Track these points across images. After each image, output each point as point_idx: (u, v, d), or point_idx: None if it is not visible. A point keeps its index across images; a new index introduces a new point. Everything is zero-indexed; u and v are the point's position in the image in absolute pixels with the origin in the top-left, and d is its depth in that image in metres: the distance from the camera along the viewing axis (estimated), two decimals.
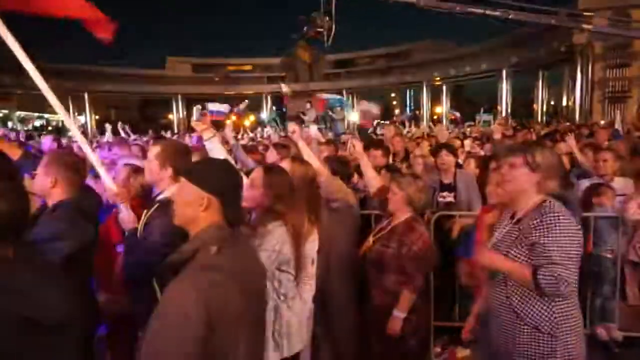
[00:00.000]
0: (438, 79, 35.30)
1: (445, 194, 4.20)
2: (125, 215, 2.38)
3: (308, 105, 13.78)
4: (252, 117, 27.57)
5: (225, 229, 1.52)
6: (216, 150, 2.69)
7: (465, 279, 3.59)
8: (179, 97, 38.44)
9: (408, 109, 46.83)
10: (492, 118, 21.99)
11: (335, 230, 2.99)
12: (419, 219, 3.08)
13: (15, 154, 2.36)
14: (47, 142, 7.06)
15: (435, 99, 37.71)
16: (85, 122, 33.36)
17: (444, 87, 36.24)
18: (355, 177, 4.14)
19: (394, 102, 47.66)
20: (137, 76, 36.43)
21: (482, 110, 20.73)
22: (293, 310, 2.36)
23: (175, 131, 26.66)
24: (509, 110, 30.06)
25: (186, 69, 40.08)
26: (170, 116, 40.03)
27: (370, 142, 6.30)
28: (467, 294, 3.41)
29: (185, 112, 38.37)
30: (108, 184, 2.41)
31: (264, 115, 35.82)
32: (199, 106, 2.67)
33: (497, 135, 5.81)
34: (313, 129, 6.76)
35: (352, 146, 3.52)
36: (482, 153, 6.36)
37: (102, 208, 2.70)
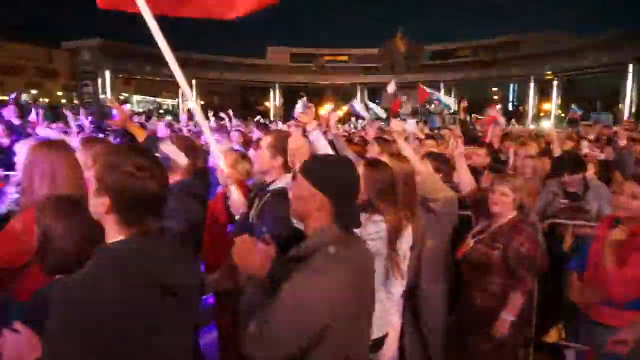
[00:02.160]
0: (549, 72, 32.43)
1: (567, 201, 3.83)
2: (236, 198, 2.46)
3: (404, 98, 13.47)
4: (344, 108, 27.65)
5: (340, 228, 1.51)
6: (319, 142, 2.71)
7: (574, 296, 3.27)
8: (277, 85, 39.85)
9: (511, 104, 43.80)
10: (612, 118, 19.72)
11: (432, 229, 2.90)
12: (525, 220, 2.93)
13: (141, 136, 2.57)
14: (161, 126, 7.70)
15: (542, 95, 34.75)
16: (192, 107, 35.95)
17: (555, 82, 33.21)
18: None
19: (495, 97, 44.83)
20: (239, 64, 38.40)
21: (597, 108, 18.69)
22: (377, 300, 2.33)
23: (272, 118, 27.71)
24: (633, 110, 26.67)
25: (284, 58, 41.32)
26: (267, 103, 41.72)
27: (473, 140, 5.97)
28: (573, 312, 3.11)
29: (282, 100, 39.72)
30: (221, 165, 2.52)
31: (358, 106, 35.92)
32: (305, 98, 2.70)
33: (623, 141, 5.17)
34: (411, 124, 6.58)
35: (454, 143, 3.37)
36: (602, 157, 5.71)
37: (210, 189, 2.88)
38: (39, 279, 1.87)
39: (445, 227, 3.11)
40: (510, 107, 41.59)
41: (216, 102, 39.73)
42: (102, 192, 1.24)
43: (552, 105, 33.22)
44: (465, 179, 3.30)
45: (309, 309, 1.34)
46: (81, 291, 1.14)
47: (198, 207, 2.42)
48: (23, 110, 8.28)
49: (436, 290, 3.09)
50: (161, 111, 41.32)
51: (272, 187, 2.45)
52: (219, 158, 2.52)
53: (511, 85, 43.83)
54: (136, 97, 43.71)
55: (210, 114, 10.83)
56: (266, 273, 1.42)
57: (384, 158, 2.74)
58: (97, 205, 1.26)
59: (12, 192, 2.89)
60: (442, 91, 35.28)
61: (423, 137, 6.41)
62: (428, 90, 12.48)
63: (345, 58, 42.05)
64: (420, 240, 2.66)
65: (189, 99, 2.57)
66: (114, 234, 1.27)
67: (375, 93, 41.31)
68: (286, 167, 2.48)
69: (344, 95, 39.18)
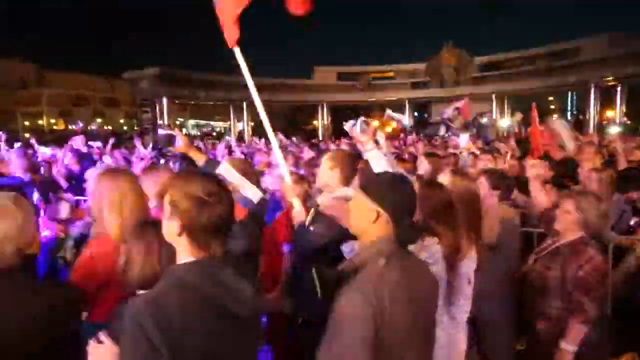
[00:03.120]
0: (611, 78, 30.58)
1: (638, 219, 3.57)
2: (299, 210, 2.56)
3: (455, 113, 13.15)
4: (393, 124, 27.47)
5: (393, 242, 1.54)
6: (378, 161, 2.71)
7: None
8: (324, 104, 40.37)
9: (569, 113, 41.69)
10: None
11: (495, 249, 2.78)
12: (590, 241, 2.67)
13: (200, 159, 2.68)
14: (220, 148, 7.99)
15: (604, 102, 32.76)
16: (243, 129, 37.06)
17: (619, 88, 31.25)
18: (515, 192, 3.79)
19: (552, 107, 42.83)
20: (287, 85, 39.35)
21: None
22: (440, 326, 2.25)
23: (320, 138, 28.02)
24: None
25: (331, 77, 41.85)
26: (315, 122, 42.29)
27: (531, 153, 5.71)
28: None
29: (329, 119, 40.14)
30: (287, 179, 2.64)
31: (406, 121, 35.60)
32: (362, 118, 2.75)
33: None
34: (463, 139, 6.40)
35: (530, 164, 3.29)
36: None
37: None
38: (110, 301, 1.98)
39: (508, 247, 2.97)
40: (569, 117, 39.53)
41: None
42: (174, 216, 1.33)
43: (617, 112, 31.23)
44: (539, 197, 3.21)
45: (353, 324, 1.38)
46: (145, 308, 1.21)
47: (257, 230, 2.49)
48: (91, 138, 8.93)
49: (500, 312, 2.94)
50: (214, 134, 42.97)
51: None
52: (285, 174, 2.64)
53: (569, 94, 41.73)
54: (191, 122, 45.75)
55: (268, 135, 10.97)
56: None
57: (445, 176, 2.69)
58: (170, 228, 1.35)
59: (87, 217, 3.08)
60: (494, 103, 34.23)
61: (477, 152, 6.22)
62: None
63: (391, 74, 41.96)
64: (484, 262, 2.55)
65: (264, 121, 2.76)
66: (184, 256, 1.36)
67: (423, 108, 40.79)
68: (345, 182, 2.54)
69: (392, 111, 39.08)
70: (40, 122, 48.12)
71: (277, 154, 2.78)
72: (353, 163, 2.65)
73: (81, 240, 2.68)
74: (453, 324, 2.36)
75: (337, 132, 30.85)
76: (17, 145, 9.29)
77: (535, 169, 3.43)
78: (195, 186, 1.33)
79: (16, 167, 5.12)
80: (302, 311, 2.46)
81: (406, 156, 6.50)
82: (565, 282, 2.55)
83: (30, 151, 7.76)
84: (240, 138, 28.14)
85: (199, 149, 8.77)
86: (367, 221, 1.55)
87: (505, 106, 34.90)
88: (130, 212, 2.22)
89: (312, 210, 2.57)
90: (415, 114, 40.52)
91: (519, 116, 17.61)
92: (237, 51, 2.77)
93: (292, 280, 2.77)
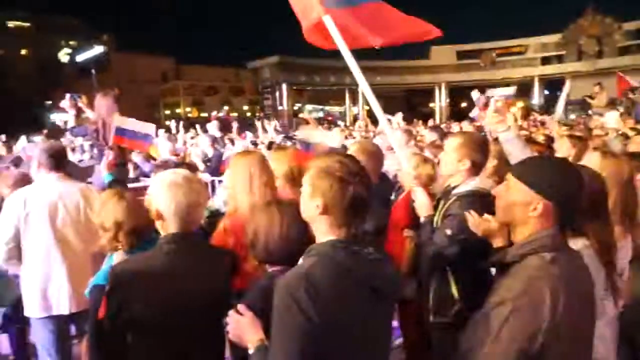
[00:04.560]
0: None
1: None
2: (423, 200, 2.43)
3: (597, 89, 11.54)
4: (520, 104, 25.21)
5: (558, 236, 1.40)
6: (514, 145, 2.48)
7: None
8: (442, 85, 38.63)
9: None
10: None
11: None
12: None
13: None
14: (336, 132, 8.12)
15: None
16: (358, 113, 37.23)
17: None
18: None
19: None
20: (403, 68, 38.40)
21: None
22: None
23: (438, 120, 26.93)
24: None
25: (450, 57, 39.75)
26: (432, 105, 40.75)
27: None
28: None
29: (448, 101, 38.36)
30: (406, 168, 2.52)
31: (535, 100, 32.36)
32: (497, 96, 2.51)
33: None
34: (611, 117, 5.61)
35: None
36: None
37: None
38: (242, 272, 2.14)
39: None
40: None
41: (381, 106, 40.34)
42: (315, 195, 1.36)
43: None
44: None
45: (523, 318, 1.29)
46: (297, 282, 1.25)
47: (384, 212, 2.46)
48: (223, 125, 9.75)
49: None
50: (329, 118, 43.89)
51: (458, 190, 2.36)
52: (405, 160, 2.52)
53: None
54: (308, 107, 47.29)
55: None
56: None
57: (593, 158, 2.35)
58: (310, 207, 1.38)
59: (220, 194, 3.37)
60: None
61: (631, 132, 5.39)
62: (629, 79, 10.47)
63: (520, 49, 38.32)
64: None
65: (374, 106, 2.67)
66: (324, 234, 1.38)
67: (556, 86, 36.68)
68: (474, 170, 2.37)
69: (519, 91, 35.74)
70: (178, 110, 53.97)
71: (392, 138, 2.63)
72: (483, 148, 2.44)
73: (216, 214, 2.92)
74: (604, 320, 2.10)
75: (456, 115, 29.34)
76: (161, 132, 10.49)
77: None
78: (337, 166, 1.34)
79: (163, 151, 5.78)
80: (431, 307, 2.39)
81: (542, 139, 5.88)
82: None
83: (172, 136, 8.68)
84: (355, 122, 28.30)
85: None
86: (524, 212, 1.41)
87: None
88: (259, 190, 2.35)
89: (441, 205, 2.40)
90: (546, 92, 36.64)
91: None
92: (328, 19, 2.58)
93: (414, 268, 2.68)
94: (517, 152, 2.49)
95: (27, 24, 51.63)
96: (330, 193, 1.33)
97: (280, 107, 37.13)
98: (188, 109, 54.72)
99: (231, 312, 1.46)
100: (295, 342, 1.21)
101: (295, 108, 43.07)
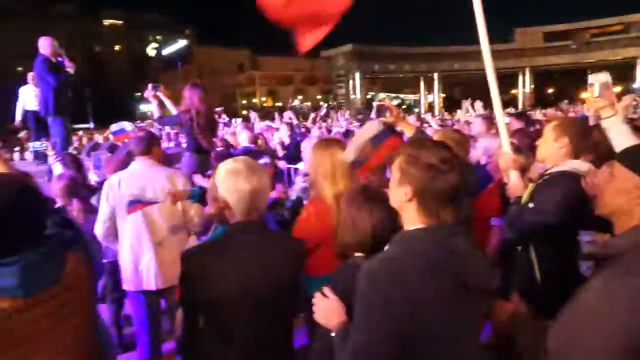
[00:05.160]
0: None
1: None
2: (516, 182, 2.41)
3: None
4: (617, 88, 22.91)
5: None
6: (617, 131, 2.21)
7: None
8: (527, 70, 36.14)
9: None
10: None
11: None
12: None
13: (410, 131, 2.64)
14: (411, 120, 7.91)
15: None
16: (433, 101, 36.09)
17: None
18: None
19: None
20: (480, 52, 36.39)
21: None
22: None
23: (521, 107, 25.35)
24: None
25: (536, 39, 36.96)
26: (514, 91, 38.32)
27: None
28: None
29: (532, 86, 35.85)
30: (507, 149, 2.49)
31: (637, 85, 29.14)
32: (605, 79, 2.25)
33: None
34: None
35: None
36: None
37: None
38: (325, 258, 2.14)
39: None
40: None
41: (458, 94, 38.78)
42: (404, 182, 1.33)
43: None
44: None
45: (610, 322, 1.14)
46: (380, 267, 1.26)
47: (469, 201, 2.34)
48: (297, 114, 9.93)
49: None
50: (403, 106, 43.00)
51: (551, 170, 2.28)
52: (506, 144, 2.49)
53: None
54: (381, 95, 46.68)
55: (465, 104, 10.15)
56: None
57: None
58: (399, 194, 1.34)
59: (299, 182, 3.40)
60: None
61: None
62: None
63: (619, 27, 34.63)
64: None
65: (493, 94, 2.59)
66: (412, 222, 1.34)
67: None
68: (571, 152, 2.25)
69: (619, 74, 32.35)
70: (254, 100, 55.85)
71: (500, 123, 2.57)
72: (584, 133, 2.31)
73: (298, 202, 2.95)
74: None
75: (541, 101, 27.34)
76: (239, 121, 10.87)
77: None
78: (428, 153, 1.30)
79: (242, 139, 5.96)
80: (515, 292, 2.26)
81: None
82: None
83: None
84: (430, 110, 27.53)
85: None
86: (631, 200, 1.29)
87: None
88: (341, 179, 2.35)
89: (531, 185, 2.30)
90: None
91: None
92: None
93: (502, 257, 2.57)
94: (622, 140, 2.23)
95: (120, 22, 56.01)
96: (419, 180, 1.29)
97: (353, 96, 36.98)
98: (263, 99, 56.39)
99: (317, 295, 1.51)
100: (374, 324, 1.23)
101: (368, 96, 42.69)
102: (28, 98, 7.47)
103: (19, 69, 32.91)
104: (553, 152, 2.29)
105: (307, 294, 2.05)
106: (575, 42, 34.11)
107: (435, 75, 35.94)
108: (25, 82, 7.50)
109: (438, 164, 1.28)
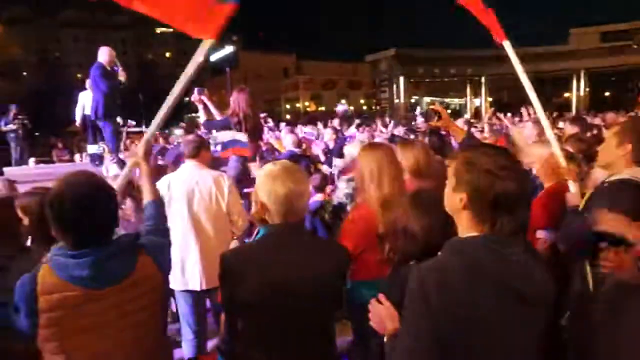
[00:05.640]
0: None
1: None
2: (575, 193, 2.36)
3: None
4: None
5: None
6: None
7: None
8: (581, 72, 34.39)
9: None
10: None
11: None
12: None
13: (460, 135, 2.58)
14: (459, 124, 7.73)
15: None
16: (480, 105, 35.07)
17: None
18: None
19: None
20: (536, 55, 34.98)
21: None
22: None
23: (574, 111, 24.20)
24: None
25: (593, 40, 35.09)
26: (567, 94, 36.51)
27: None
28: None
29: (587, 90, 34.07)
30: (559, 157, 2.45)
31: None
32: None
33: None
34: None
35: None
36: None
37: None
38: (370, 263, 2.12)
39: None
40: None
41: (506, 98, 37.45)
42: (459, 188, 1.30)
43: None
44: None
45: None
46: (429, 273, 1.24)
47: (526, 210, 2.28)
48: (343, 118, 9.97)
49: None
50: (449, 111, 42.04)
51: (609, 178, 2.16)
52: (558, 152, 2.44)
53: None
54: (426, 99, 45.87)
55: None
56: None
57: None
58: (454, 200, 1.32)
59: (342, 187, 3.38)
60: None
61: None
62: None
63: None
64: None
65: (530, 95, 2.51)
66: (467, 229, 1.31)
67: None
68: (635, 159, 2.11)
69: None
70: (297, 105, 56.34)
71: (547, 130, 2.47)
72: None
73: (340, 207, 2.94)
74: None
75: (597, 105, 25.92)
76: (283, 125, 11.01)
77: None
78: (486, 159, 1.27)
79: (287, 143, 6.03)
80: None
81: None
82: None
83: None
84: (476, 115, 26.71)
85: None
86: None
87: None
88: (388, 183, 2.33)
89: (589, 193, 2.19)
90: None
91: None
92: (508, 45, 2.66)
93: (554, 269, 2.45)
94: None
95: (170, 30, 58.27)
96: (475, 186, 1.25)
97: (396, 100, 36.58)
98: (306, 103, 56.84)
99: (372, 301, 1.52)
100: (420, 330, 1.22)
101: (412, 101, 42.06)
102: (87, 103, 7.92)
103: (79, 75, 34.92)
104: (615, 159, 2.17)
105: (354, 299, 2.05)
106: (635, 41, 32.10)
107: (482, 79, 34.91)
108: (84, 88, 7.95)
109: (495, 170, 1.24)
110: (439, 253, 1.34)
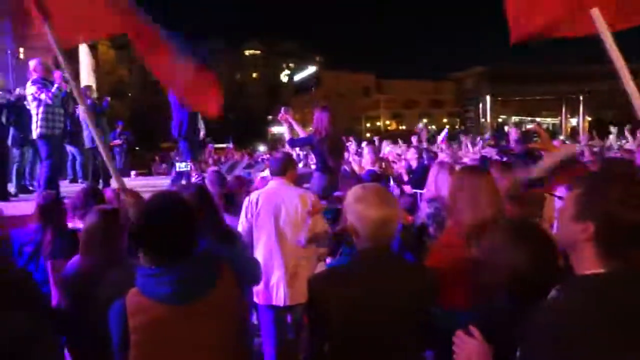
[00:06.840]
0: None
1: None
2: None
3: None
4: None
5: None
6: None
7: None
8: None
9: None
10: None
11: None
12: None
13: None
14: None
15: None
16: (578, 124, 32.51)
17: None
18: None
19: None
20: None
21: None
22: None
23: None
24: None
25: None
26: None
27: None
28: None
29: None
30: None
31: None
32: None
33: None
34: None
35: None
36: None
37: None
38: (461, 291, 1.99)
39: None
40: None
41: (610, 116, 34.29)
42: (584, 217, 1.16)
43: None
44: None
45: None
46: (559, 317, 1.12)
47: None
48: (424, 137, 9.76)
49: None
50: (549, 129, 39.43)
51: None
52: None
53: None
54: (514, 118, 43.51)
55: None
56: None
57: None
58: (575, 231, 1.17)
59: (424, 207, 3.25)
60: None
61: None
62: None
63: None
64: None
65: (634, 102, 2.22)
66: (589, 264, 1.16)
67: None
68: None
69: None
70: (378, 123, 56.33)
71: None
72: None
73: (422, 229, 2.83)
74: None
75: None
76: (364, 144, 11.01)
77: None
78: (615, 186, 1.14)
79: (367, 162, 6.00)
80: None
81: None
82: None
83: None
84: (573, 135, 24.74)
85: None
86: None
87: None
88: (485, 208, 2.18)
89: None
90: None
91: None
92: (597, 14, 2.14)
93: None
94: None
95: (258, 52, 61.53)
96: (607, 217, 1.12)
97: (482, 120, 35.12)
98: (387, 122, 56.59)
99: (459, 333, 1.40)
100: None
101: (500, 120, 40.10)
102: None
103: None
104: None
105: (439, 326, 1.94)
106: None
107: (581, 97, 32.41)
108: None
109: (628, 199, 1.11)
110: (554, 291, 1.20)
